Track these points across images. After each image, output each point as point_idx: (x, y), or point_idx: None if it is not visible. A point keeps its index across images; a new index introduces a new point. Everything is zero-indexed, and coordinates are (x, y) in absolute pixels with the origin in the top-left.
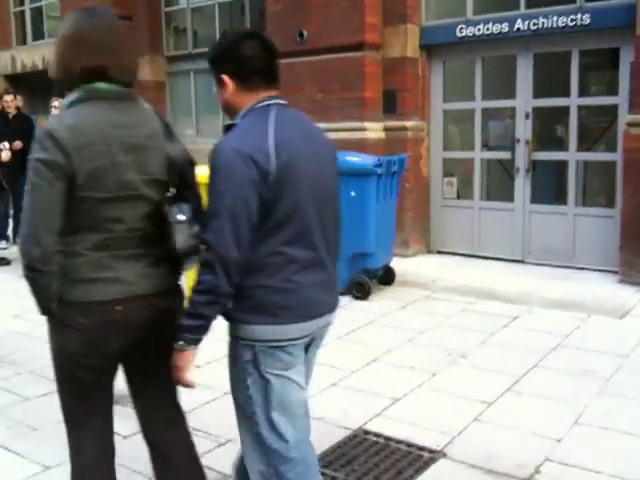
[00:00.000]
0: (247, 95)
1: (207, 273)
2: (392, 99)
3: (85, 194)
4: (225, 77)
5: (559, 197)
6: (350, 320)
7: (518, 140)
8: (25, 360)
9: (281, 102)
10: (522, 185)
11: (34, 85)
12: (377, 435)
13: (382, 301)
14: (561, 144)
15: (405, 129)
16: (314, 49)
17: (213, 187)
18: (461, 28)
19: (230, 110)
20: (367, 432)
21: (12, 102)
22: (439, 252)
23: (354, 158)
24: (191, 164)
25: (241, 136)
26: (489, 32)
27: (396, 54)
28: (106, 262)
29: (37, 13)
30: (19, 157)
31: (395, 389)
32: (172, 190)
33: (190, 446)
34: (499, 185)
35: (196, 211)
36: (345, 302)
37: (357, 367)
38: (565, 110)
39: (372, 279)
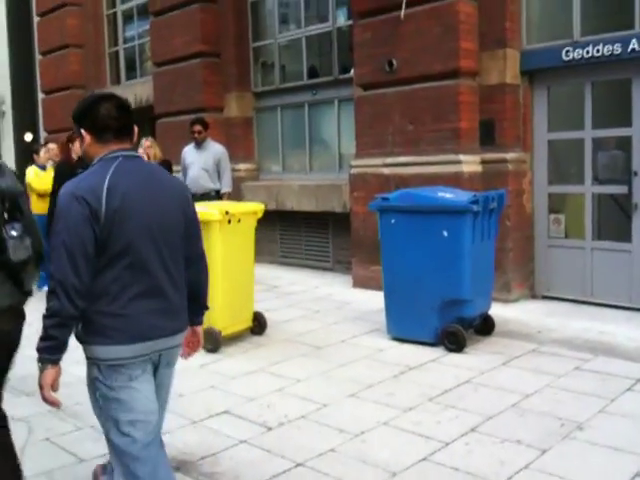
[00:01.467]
0: (100, 147)
1: (52, 299)
2: (490, 129)
3: None
4: (83, 131)
5: None
6: (443, 378)
7: (635, 173)
8: (89, 413)
9: (128, 154)
10: None
11: None
12: None
13: (480, 355)
14: None
15: (505, 161)
16: (404, 78)
17: (54, 226)
18: (567, 51)
19: (87, 160)
20: None
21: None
22: (544, 297)
23: (446, 194)
24: (20, 194)
25: (79, 181)
26: (599, 54)
27: (494, 81)
28: None
29: (130, 53)
30: None
31: (497, 470)
32: (6, 215)
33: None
34: (614, 223)
35: (28, 229)
36: (437, 355)
37: (451, 438)
38: None
39: (467, 329)
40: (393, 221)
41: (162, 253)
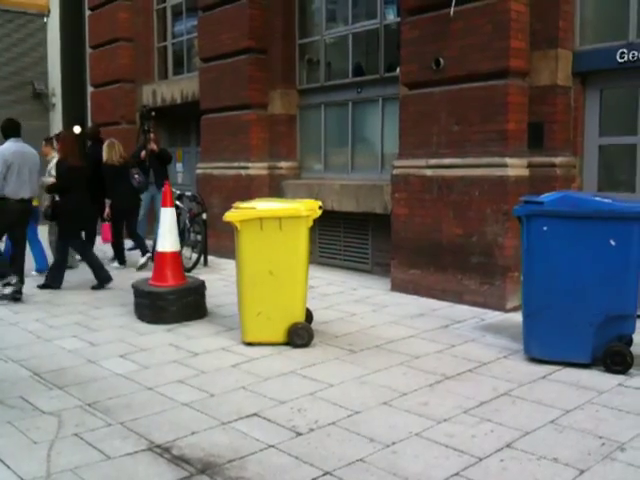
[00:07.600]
0: None
1: None
2: (539, 132)
3: None
4: None
5: None
6: (622, 410)
7: None
8: (120, 409)
9: None
10: None
11: (172, 118)
12: None
13: None
14: None
15: (553, 166)
16: (451, 77)
17: None
18: (622, 53)
19: None
20: None
21: None
22: None
23: (607, 200)
24: None
25: None
26: None
27: (545, 82)
28: None
29: (178, 48)
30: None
31: None
32: None
33: None
34: None
35: None
36: (595, 381)
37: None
38: None
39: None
40: (545, 228)
41: None
